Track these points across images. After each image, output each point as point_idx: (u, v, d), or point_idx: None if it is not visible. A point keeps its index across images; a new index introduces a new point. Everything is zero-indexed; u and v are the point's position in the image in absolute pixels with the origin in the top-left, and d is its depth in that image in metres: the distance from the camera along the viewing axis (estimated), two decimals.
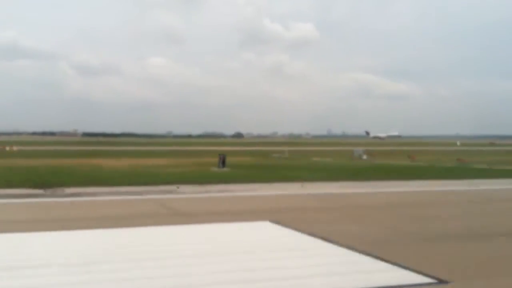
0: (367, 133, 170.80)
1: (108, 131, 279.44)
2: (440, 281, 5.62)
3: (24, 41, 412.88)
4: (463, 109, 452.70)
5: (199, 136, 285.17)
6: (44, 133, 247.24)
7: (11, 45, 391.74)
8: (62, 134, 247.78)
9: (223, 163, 27.20)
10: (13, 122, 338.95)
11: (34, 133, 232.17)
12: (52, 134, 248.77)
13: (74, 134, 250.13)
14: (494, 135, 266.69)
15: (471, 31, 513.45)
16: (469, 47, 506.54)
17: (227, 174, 24.32)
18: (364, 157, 41.83)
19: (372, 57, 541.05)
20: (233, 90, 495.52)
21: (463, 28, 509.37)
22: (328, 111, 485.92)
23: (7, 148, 57.57)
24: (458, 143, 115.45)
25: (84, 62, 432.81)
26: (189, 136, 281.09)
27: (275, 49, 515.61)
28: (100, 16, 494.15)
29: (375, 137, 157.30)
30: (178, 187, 17.49)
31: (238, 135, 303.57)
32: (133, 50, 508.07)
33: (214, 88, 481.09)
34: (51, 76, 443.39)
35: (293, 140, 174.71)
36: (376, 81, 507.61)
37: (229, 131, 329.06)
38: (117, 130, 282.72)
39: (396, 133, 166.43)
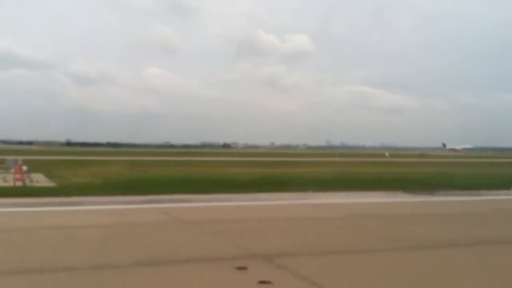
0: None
1: (103, 140, 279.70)
2: None
3: (19, 49, 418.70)
4: (461, 122, 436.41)
5: (185, 146, 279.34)
6: (21, 142, 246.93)
7: (6, 54, 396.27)
8: (38, 143, 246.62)
9: None
10: (8, 130, 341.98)
11: (5, 142, 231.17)
12: (29, 143, 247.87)
13: (50, 143, 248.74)
14: (491, 147, 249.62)
15: (470, 44, 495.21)
16: (468, 60, 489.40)
17: None
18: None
19: (370, 70, 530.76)
20: (231, 101, 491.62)
21: (461, 41, 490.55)
22: (327, 122, 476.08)
23: None
24: (386, 154, 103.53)
25: (80, 72, 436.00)
26: (172, 146, 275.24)
27: (273, 60, 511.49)
28: (95, 27, 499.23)
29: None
30: None
31: (226, 146, 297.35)
32: (129, 61, 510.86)
33: (211, 98, 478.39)
34: (46, 85, 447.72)
35: (274, 151, 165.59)
36: (374, 93, 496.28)
37: (226, 141, 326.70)
38: (114, 140, 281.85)
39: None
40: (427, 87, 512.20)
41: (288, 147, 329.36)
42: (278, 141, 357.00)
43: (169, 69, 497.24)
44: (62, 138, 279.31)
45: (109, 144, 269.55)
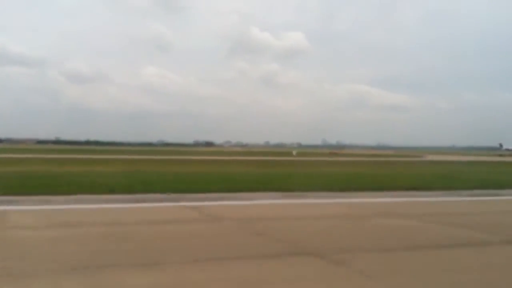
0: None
1: (99, 139, 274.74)
2: None
3: (13, 47, 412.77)
4: (461, 120, 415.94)
5: (167, 144, 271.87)
6: None
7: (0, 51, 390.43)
8: (11, 141, 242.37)
9: None
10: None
11: None
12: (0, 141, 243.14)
13: (23, 141, 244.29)
14: (493, 146, 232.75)
15: (474, 42, 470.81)
16: (470, 59, 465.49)
17: None
18: None
19: (368, 68, 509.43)
20: (226, 99, 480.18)
21: (463, 39, 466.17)
22: (325, 121, 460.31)
23: None
24: (294, 152, 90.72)
25: (74, 70, 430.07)
26: (150, 144, 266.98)
27: (268, 58, 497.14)
28: (88, 25, 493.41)
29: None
30: None
31: (209, 144, 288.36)
32: (123, 59, 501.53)
33: (206, 96, 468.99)
34: (40, 83, 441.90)
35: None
36: (373, 92, 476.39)
37: (220, 139, 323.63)
38: (106, 138, 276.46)
39: None
40: (427, 85, 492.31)
41: (282, 146, 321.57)
42: (274, 140, 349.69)
43: (163, 67, 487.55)
44: (53, 136, 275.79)
45: (88, 142, 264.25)
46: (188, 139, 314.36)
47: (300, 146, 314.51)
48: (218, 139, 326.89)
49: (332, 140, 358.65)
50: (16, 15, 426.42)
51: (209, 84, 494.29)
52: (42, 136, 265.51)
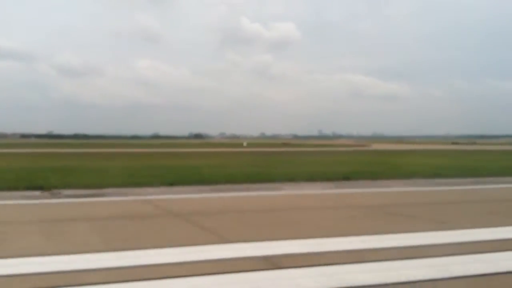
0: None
1: (93, 133, 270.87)
2: None
3: (2, 41, 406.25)
4: (455, 109, 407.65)
5: (155, 137, 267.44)
6: None
7: None
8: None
9: None
10: None
11: None
12: None
13: (4, 135, 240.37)
14: (485, 135, 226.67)
15: (465, 32, 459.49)
16: (462, 48, 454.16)
17: None
18: None
19: (363, 58, 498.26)
20: (220, 91, 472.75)
21: (456, 29, 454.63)
22: (320, 111, 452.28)
23: None
24: (244, 143, 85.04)
25: (65, 63, 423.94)
26: (136, 137, 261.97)
27: (262, 49, 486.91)
28: (77, 18, 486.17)
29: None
30: None
31: (198, 136, 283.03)
32: (112, 51, 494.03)
33: (200, 88, 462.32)
34: (31, 77, 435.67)
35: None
36: (367, 82, 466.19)
37: (215, 132, 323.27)
38: (103, 132, 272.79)
39: None
40: (421, 75, 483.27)
41: (277, 137, 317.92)
42: (269, 132, 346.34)
43: (155, 60, 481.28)
44: (45, 131, 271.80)
45: (76, 136, 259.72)
46: (184, 131, 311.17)
47: (295, 137, 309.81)
48: (213, 131, 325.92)
49: (328, 131, 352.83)
50: (4, 9, 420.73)
51: (203, 76, 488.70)
52: (37, 130, 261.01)
